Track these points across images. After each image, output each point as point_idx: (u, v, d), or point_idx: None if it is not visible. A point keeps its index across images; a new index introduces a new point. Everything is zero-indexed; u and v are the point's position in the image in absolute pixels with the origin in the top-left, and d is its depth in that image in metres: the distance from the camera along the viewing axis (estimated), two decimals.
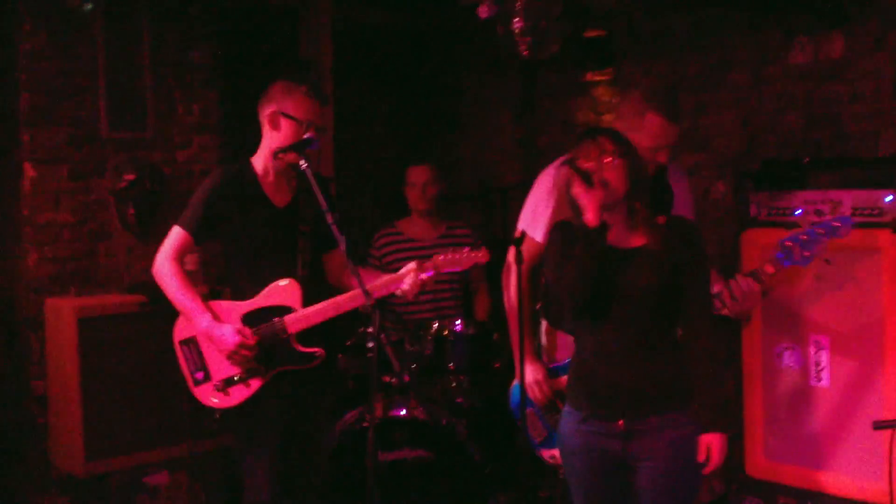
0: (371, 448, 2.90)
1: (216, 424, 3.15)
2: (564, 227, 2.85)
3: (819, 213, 3.66)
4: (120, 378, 4.04)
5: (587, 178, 2.68)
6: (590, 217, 2.68)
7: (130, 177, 4.32)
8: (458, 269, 3.24)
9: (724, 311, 3.39)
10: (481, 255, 3.22)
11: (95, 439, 3.97)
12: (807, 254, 3.28)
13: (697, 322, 2.80)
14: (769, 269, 3.34)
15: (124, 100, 4.34)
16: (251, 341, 3.12)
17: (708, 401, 2.76)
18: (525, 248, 3.25)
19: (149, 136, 4.42)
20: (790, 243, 3.30)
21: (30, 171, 4.14)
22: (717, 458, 2.76)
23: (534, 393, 3.43)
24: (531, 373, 3.41)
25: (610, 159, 2.71)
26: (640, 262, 2.75)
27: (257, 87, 3.30)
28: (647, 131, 3.19)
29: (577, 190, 2.71)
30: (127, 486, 4.08)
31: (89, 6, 4.03)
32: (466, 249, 3.22)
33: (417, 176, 4.43)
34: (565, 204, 2.84)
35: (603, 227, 2.70)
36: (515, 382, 3.48)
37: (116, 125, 4.33)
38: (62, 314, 4.02)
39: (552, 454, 3.47)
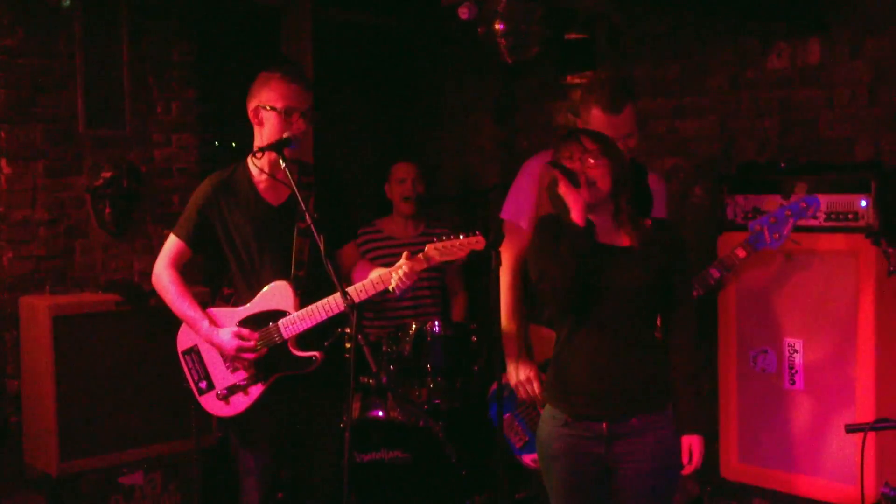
0: (347, 449, 2.89)
1: (215, 429, 3.09)
2: (550, 222, 2.84)
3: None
4: (95, 377, 4.01)
5: (573, 179, 2.70)
6: (576, 217, 2.69)
7: (107, 175, 4.30)
8: (453, 258, 3.06)
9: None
10: (477, 242, 3.02)
11: (70, 439, 3.94)
12: (776, 235, 3.31)
13: (681, 325, 2.82)
14: (740, 253, 3.38)
15: (102, 97, 4.31)
16: (251, 343, 3.08)
17: (689, 402, 2.78)
18: (511, 237, 3.22)
19: (127, 134, 4.40)
20: (759, 226, 3.33)
21: (5, 168, 4.11)
22: (697, 459, 2.78)
23: (523, 391, 3.39)
24: (522, 371, 3.37)
25: (593, 159, 2.73)
26: (625, 262, 2.77)
27: (237, 86, 3.27)
28: (594, 125, 3.19)
29: (563, 190, 2.71)
30: (101, 486, 4.05)
31: (68, 2, 4.01)
32: (461, 236, 3.03)
33: (404, 172, 4.43)
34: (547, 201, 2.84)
35: (589, 227, 2.71)
36: (494, 389, 3.46)
37: (94, 122, 4.31)
38: (37, 312, 3.99)
39: (534, 458, 3.46)
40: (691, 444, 2.78)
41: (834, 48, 4.05)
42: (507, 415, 3.47)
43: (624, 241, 2.81)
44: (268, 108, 3.06)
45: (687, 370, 2.80)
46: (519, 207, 3.43)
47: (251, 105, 3.11)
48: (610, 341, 2.75)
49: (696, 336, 2.84)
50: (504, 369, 3.38)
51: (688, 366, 2.80)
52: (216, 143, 4.82)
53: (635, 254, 2.78)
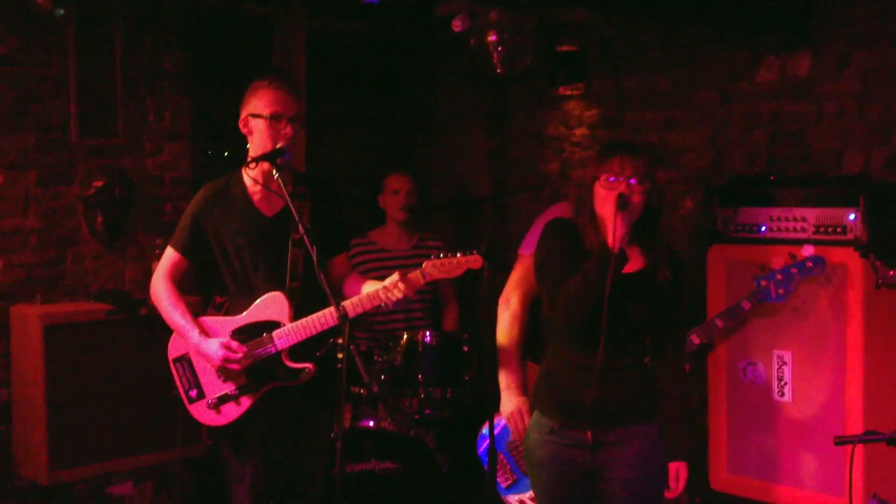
0: (338, 459, 2.89)
1: (206, 439, 3.07)
2: (565, 228, 2.80)
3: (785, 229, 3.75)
4: (85, 386, 4.00)
5: (623, 203, 2.64)
6: (615, 241, 2.64)
7: (99, 183, 4.29)
8: (450, 276, 3.05)
9: None
10: (475, 261, 3.02)
11: (60, 448, 3.93)
12: (781, 291, 3.45)
13: (672, 351, 2.85)
14: (745, 305, 3.54)
15: (95, 106, 4.31)
16: (238, 354, 3.07)
17: (678, 428, 2.82)
18: (527, 272, 3.19)
19: (119, 143, 4.39)
20: (766, 282, 3.46)
21: None
22: (682, 484, 2.85)
23: (513, 424, 3.39)
24: (515, 403, 3.36)
25: (640, 182, 2.67)
26: (636, 287, 2.76)
27: (229, 95, 3.27)
28: None
29: (608, 211, 2.66)
30: (91, 495, 4.04)
31: (61, 11, 4.01)
32: (459, 255, 3.02)
33: (400, 183, 4.44)
34: None
35: (623, 254, 2.67)
36: (484, 429, 3.48)
37: (86, 131, 4.30)
38: (28, 321, 3.98)
39: (520, 499, 3.48)
40: (678, 470, 2.84)
41: (823, 62, 4.08)
42: (497, 454, 3.47)
43: (634, 264, 2.78)
44: (256, 116, 3.07)
45: (677, 396, 2.83)
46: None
47: (242, 115, 3.12)
48: (601, 356, 2.75)
49: (684, 374, 2.88)
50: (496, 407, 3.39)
51: (677, 392, 2.83)
52: (208, 152, 4.83)
53: (646, 280, 2.77)
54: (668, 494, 2.85)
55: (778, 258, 3.58)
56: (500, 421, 3.48)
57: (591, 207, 2.74)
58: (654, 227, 2.76)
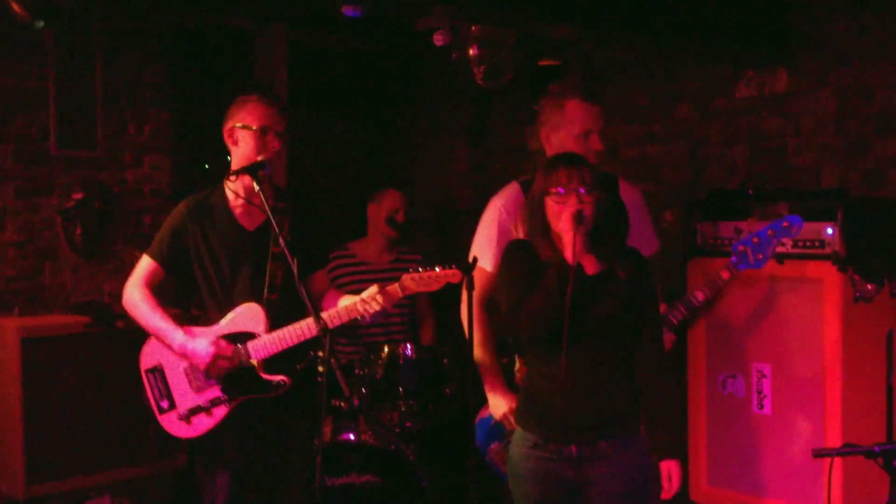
0: (318, 472, 2.88)
1: (182, 452, 3.05)
2: (523, 248, 2.84)
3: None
4: (63, 400, 3.97)
5: (578, 217, 2.69)
6: (571, 255, 2.68)
7: (78, 196, 4.28)
8: (428, 289, 3.07)
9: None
10: (454, 275, 3.03)
11: (37, 462, 3.90)
12: (760, 256, 3.33)
13: (650, 357, 2.85)
14: (724, 274, 3.40)
15: (74, 118, 4.30)
16: (228, 352, 3.07)
17: (663, 430, 2.82)
18: (476, 276, 3.23)
19: (98, 155, 4.38)
20: (743, 247, 3.35)
21: None
22: (676, 482, 2.83)
23: (508, 424, 3.32)
24: (505, 403, 3.31)
25: (588, 192, 2.72)
26: (599, 290, 2.78)
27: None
28: (570, 118, 3.17)
29: (564, 227, 2.71)
30: None
31: (41, 23, 3.99)
32: (437, 268, 3.04)
33: (399, 202, 4.47)
34: (511, 233, 2.84)
35: (580, 266, 2.71)
36: (481, 417, 3.45)
37: (66, 143, 4.29)
38: (5, 334, 3.95)
39: None
40: (670, 469, 2.82)
41: (801, 78, 4.12)
42: (497, 444, 3.44)
43: (595, 268, 2.83)
44: (244, 127, 3.08)
45: (658, 401, 2.83)
46: (485, 246, 3.33)
47: (227, 126, 3.13)
48: (579, 366, 2.76)
49: (666, 367, 2.87)
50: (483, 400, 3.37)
51: (659, 397, 2.83)
52: (206, 166, 4.81)
53: (609, 282, 2.79)
54: (663, 495, 2.82)
55: (743, 228, 3.52)
56: (484, 425, 3.46)
57: (543, 221, 2.78)
58: (611, 231, 2.82)
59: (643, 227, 3.42)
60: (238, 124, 3.09)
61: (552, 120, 3.25)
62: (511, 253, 2.89)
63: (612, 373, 2.81)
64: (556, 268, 2.71)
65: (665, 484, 2.83)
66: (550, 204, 2.76)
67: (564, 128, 3.20)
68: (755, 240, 3.34)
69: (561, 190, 2.73)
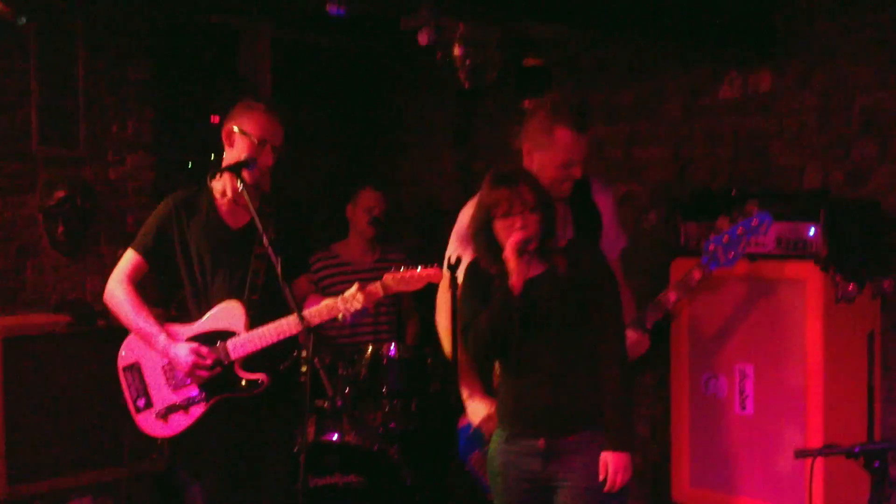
0: (302, 473, 2.88)
1: (161, 452, 3.06)
2: (477, 270, 2.91)
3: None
4: (45, 400, 3.95)
5: (522, 249, 2.75)
6: (516, 283, 2.75)
7: (61, 194, 4.25)
8: (409, 289, 3.11)
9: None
10: (435, 275, 3.08)
11: (18, 462, 3.88)
12: (731, 254, 3.32)
13: (609, 352, 2.86)
14: (696, 274, 3.37)
15: (56, 115, 4.27)
16: (208, 361, 3.06)
17: (613, 422, 2.81)
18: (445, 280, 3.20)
19: (81, 153, 4.35)
20: (713, 246, 3.34)
21: None
22: (619, 476, 2.78)
23: (487, 431, 3.30)
24: (484, 408, 3.27)
25: (531, 213, 2.78)
26: (542, 288, 2.82)
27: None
28: (557, 146, 3.15)
29: (508, 254, 2.76)
30: None
31: (23, 19, 3.96)
32: (420, 268, 3.08)
33: (374, 200, 4.45)
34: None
35: (525, 293, 2.76)
36: (461, 426, 3.44)
37: (48, 140, 4.26)
38: None
39: None
40: (607, 461, 2.79)
41: (783, 78, 4.13)
42: (477, 452, 3.42)
43: (538, 267, 2.86)
44: (243, 133, 3.09)
45: (615, 396, 2.82)
46: (456, 247, 3.32)
47: (227, 126, 3.15)
48: (544, 363, 2.82)
49: (619, 357, 2.87)
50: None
51: (616, 392, 2.82)
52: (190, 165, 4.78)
53: (551, 278, 2.83)
54: (605, 488, 2.79)
55: (723, 221, 3.52)
56: (463, 434, 3.46)
57: (490, 240, 2.83)
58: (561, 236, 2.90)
59: (610, 227, 3.43)
60: (238, 128, 3.11)
61: (538, 139, 3.21)
62: (466, 275, 2.95)
63: (573, 367, 2.84)
64: (500, 292, 2.77)
65: (602, 475, 2.79)
66: (495, 226, 2.81)
67: (549, 152, 3.16)
68: (725, 238, 3.31)
69: (504, 213, 2.79)
